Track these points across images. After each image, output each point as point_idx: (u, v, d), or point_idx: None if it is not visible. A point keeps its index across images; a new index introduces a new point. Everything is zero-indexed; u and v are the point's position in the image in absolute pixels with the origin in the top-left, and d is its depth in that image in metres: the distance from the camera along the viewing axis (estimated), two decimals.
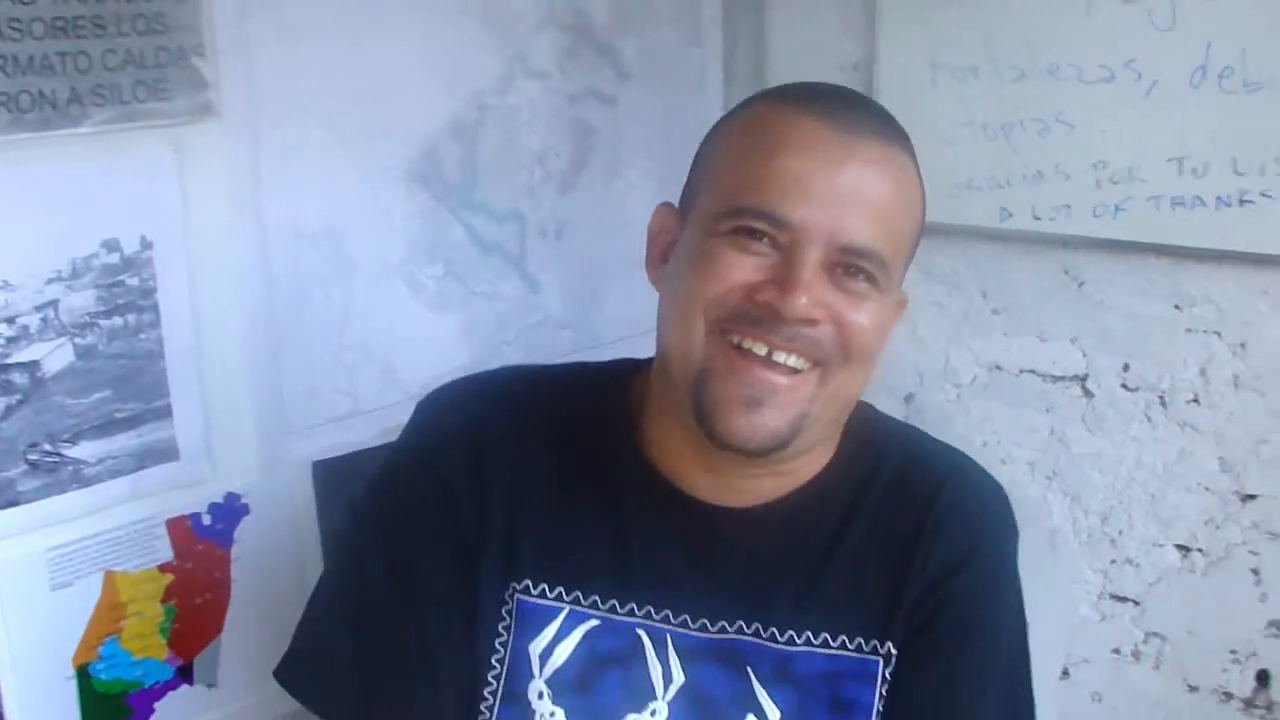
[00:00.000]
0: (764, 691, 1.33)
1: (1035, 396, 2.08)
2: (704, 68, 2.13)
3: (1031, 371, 2.08)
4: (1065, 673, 2.11)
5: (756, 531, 1.34)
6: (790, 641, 1.33)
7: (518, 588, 1.33)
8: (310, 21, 1.60)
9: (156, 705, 1.60)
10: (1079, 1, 1.88)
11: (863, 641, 1.33)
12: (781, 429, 1.24)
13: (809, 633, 1.33)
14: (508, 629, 1.34)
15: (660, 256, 1.33)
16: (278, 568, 1.68)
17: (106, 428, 1.49)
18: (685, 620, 1.33)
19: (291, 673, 1.40)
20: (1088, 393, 2.03)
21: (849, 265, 1.22)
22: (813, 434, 1.28)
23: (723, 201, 1.23)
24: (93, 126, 1.42)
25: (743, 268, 1.21)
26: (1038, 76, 1.93)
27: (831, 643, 1.33)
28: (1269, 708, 1.95)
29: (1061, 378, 2.05)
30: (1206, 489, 1.95)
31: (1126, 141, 1.88)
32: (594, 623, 1.33)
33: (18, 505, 1.44)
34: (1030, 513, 2.09)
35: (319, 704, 1.40)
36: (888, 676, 1.33)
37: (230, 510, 1.63)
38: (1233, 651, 1.97)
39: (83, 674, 1.52)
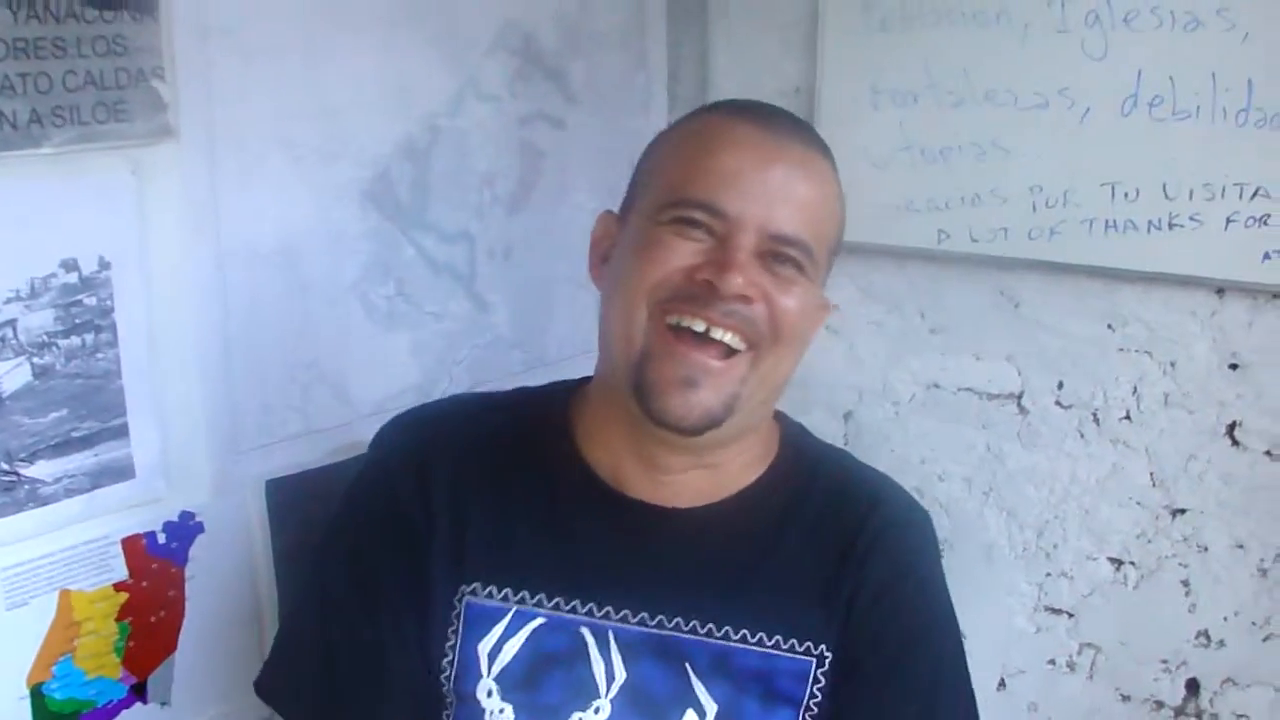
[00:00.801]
0: (701, 686, 1.41)
1: (972, 414, 2.12)
2: (649, 91, 2.16)
3: (968, 389, 2.12)
4: (1002, 684, 2.15)
5: (695, 531, 1.43)
6: (726, 637, 1.40)
7: (466, 590, 1.42)
8: (267, 44, 1.61)
9: None
10: (1015, 31, 1.92)
11: (795, 642, 1.41)
12: (715, 408, 1.34)
13: (745, 630, 1.40)
14: (456, 632, 1.41)
15: (602, 259, 1.45)
16: (231, 585, 1.69)
17: (63, 447, 1.49)
18: (626, 615, 1.40)
19: (267, 683, 1.49)
20: (1023, 410, 2.07)
21: (778, 253, 1.34)
22: (744, 416, 1.38)
23: (665, 194, 1.35)
24: (53, 147, 1.42)
25: (682, 252, 1.33)
26: (975, 103, 1.97)
27: (767, 641, 1.41)
28: (1199, 715, 1.99)
29: (997, 395, 2.09)
30: (1138, 503, 2.00)
31: (1061, 166, 1.93)
32: (540, 620, 1.41)
33: None
34: (967, 527, 2.13)
35: (292, 708, 1.49)
36: (819, 676, 1.41)
37: (185, 529, 1.63)
38: (1164, 661, 2.01)
39: (36, 694, 1.51)
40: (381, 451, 1.51)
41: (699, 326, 1.32)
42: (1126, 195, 1.89)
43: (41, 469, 1.48)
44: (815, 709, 1.41)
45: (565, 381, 1.56)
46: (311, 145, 1.68)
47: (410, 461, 1.46)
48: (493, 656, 1.41)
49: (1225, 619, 1.96)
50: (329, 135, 1.70)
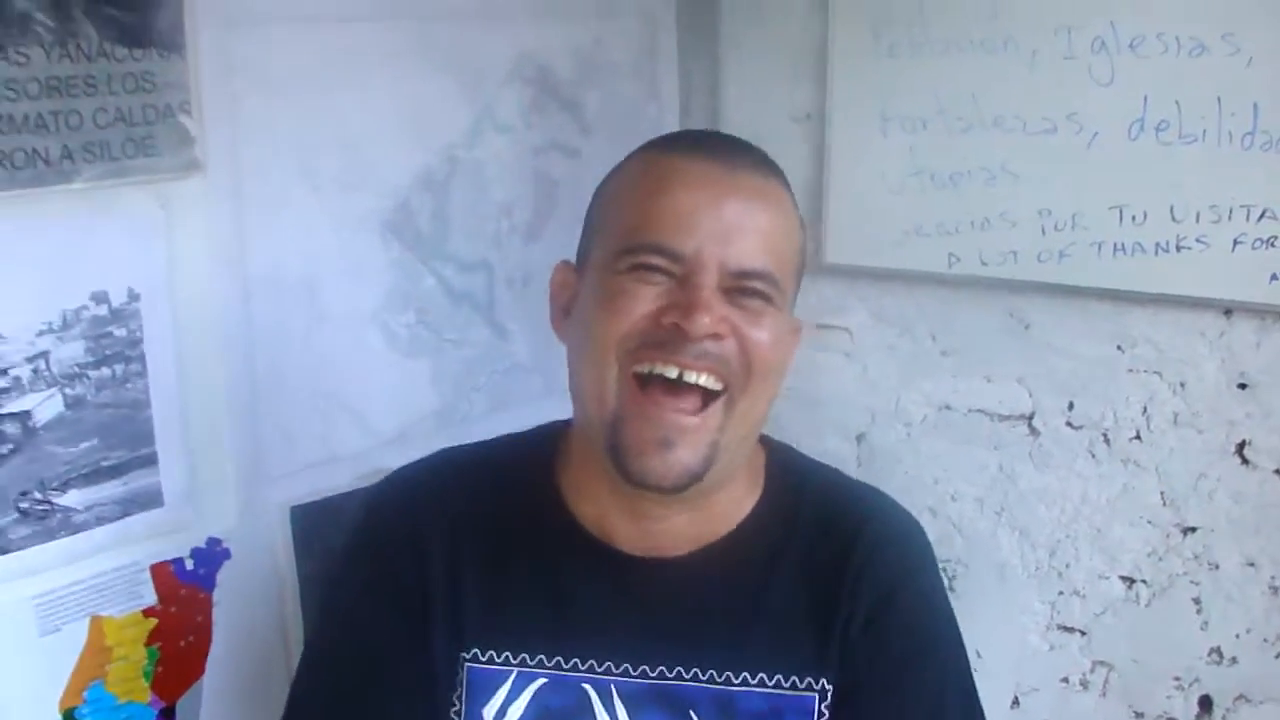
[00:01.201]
0: None
1: (983, 435, 2.14)
2: (661, 121, 2.19)
3: (980, 411, 2.14)
4: (1016, 702, 2.16)
5: (688, 578, 1.41)
6: (728, 682, 1.39)
7: (466, 656, 1.41)
8: (290, 79, 1.65)
9: None
10: (1023, 58, 1.94)
11: (797, 679, 1.39)
12: (694, 464, 1.32)
13: (745, 673, 1.39)
14: (460, 698, 1.41)
15: (563, 311, 1.42)
16: (257, 610, 1.72)
17: (94, 475, 1.53)
18: (626, 669, 1.39)
19: None
20: (1034, 431, 2.09)
21: (744, 288, 1.32)
22: (725, 461, 1.36)
23: (619, 241, 1.32)
24: (84, 182, 1.46)
25: (645, 298, 1.30)
26: (984, 128, 2.00)
27: (768, 681, 1.39)
28: None
29: (1008, 417, 2.11)
30: (1149, 522, 2.01)
31: (1069, 190, 1.95)
32: (542, 681, 1.40)
33: (8, 553, 1.47)
34: (979, 547, 2.15)
35: None
36: (824, 711, 1.39)
37: (212, 555, 1.66)
38: (1176, 678, 2.03)
39: (68, 718, 1.54)
40: (374, 519, 1.49)
41: (671, 373, 1.30)
42: (1134, 218, 1.91)
43: (73, 497, 1.51)
44: None
45: (550, 426, 1.53)
46: (333, 177, 1.72)
47: (404, 531, 1.44)
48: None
49: (1237, 636, 1.97)
50: (350, 167, 1.73)
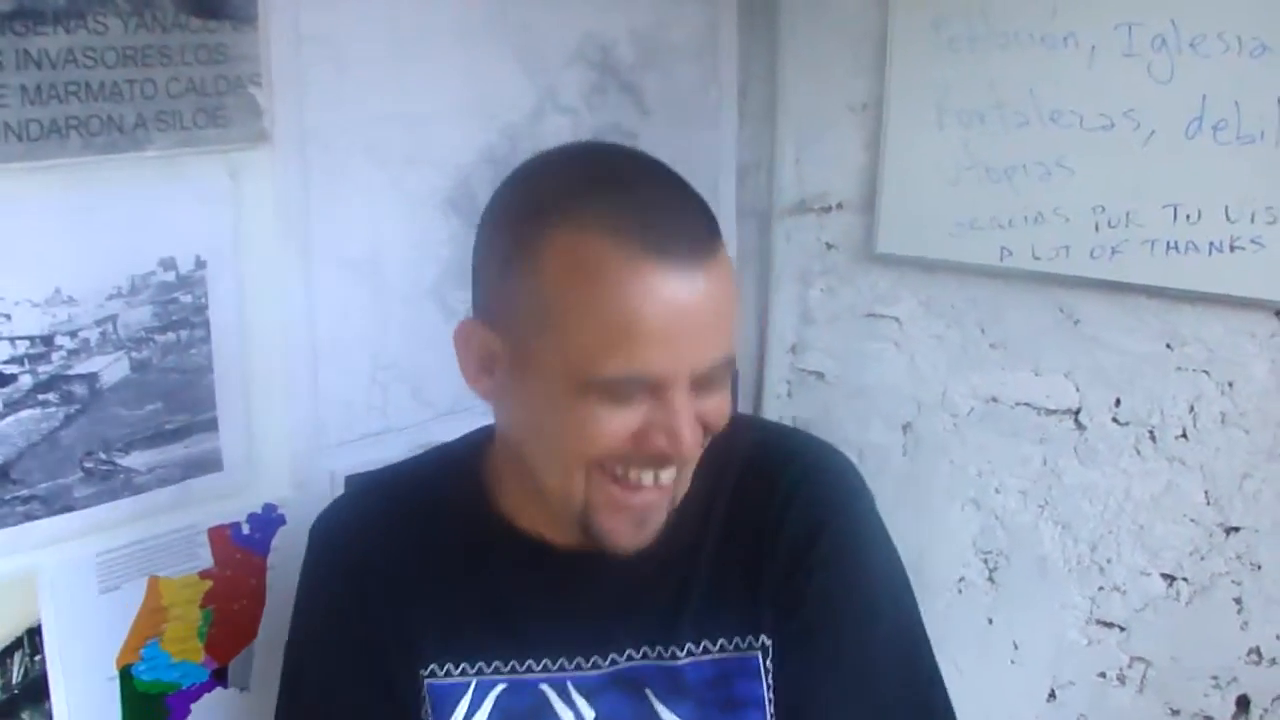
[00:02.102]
0: (664, 708, 1.40)
1: (1029, 428, 2.14)
2: (720, 105, 2.20)
3: (1026, 404, 2.14)
4: (1052, 695, 2.17)
5: (625, 562, 1.34)
6: (674, 656, 1.39)
7: (424, 674, 1.42)
8: (358, 53, 1.67)
9: (193, 706, 1.66)
10: (1081, 53, 1.95)
11: (739, 640, 1.39)
12: (661, 522, 1.32)
13: (689, 644, 1.39)
14: (425, 714, 1.42)
15: (482, 369, 1.32)
16: None
17: (156, 438, 1.56)
18: (579, 662, 1.41)
19: None
20: (1080, 426, 2.10)
21: (709, 377, 1.24)
22: (680, 494, 1.34)
23: (581, 368, 1.20)
24: (156, 150, 1.49)
25: (620, 420, 1.22)
26: (1040, 123, 2.00)
27: (712, 647, 1.39)
28: None
29: (1055, 411, 2.12)
30: (1192, 521, 2.02)
31: (1124, 187, 1.95)
32: (501, 686, 1.41)
33: (72, 510, 1.50)
34: (1022, 540, 2.16)
35: None
36: (768, 667, 1.39)
37: (268, 520, 1.69)
38: (1214, 677, 2.03)
39: (125, 675, 1.58)
40: (315, 565, 1.50)
41: (649, 480, 1.27)
42: (1188, 217, 1.91)
43: (136, 459, 1.54)
44: (777, 700, 1.40)
45: (475, 435, 1.50)
46: (397, 152, 1.74)
47: (344, 573, 1.45)
48: None
49: (1277, 637, 1.97)
50: (414, 143, 1.76)
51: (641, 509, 1.29)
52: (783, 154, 2.31)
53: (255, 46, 1.56)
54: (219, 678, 1.68)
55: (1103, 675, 2.13)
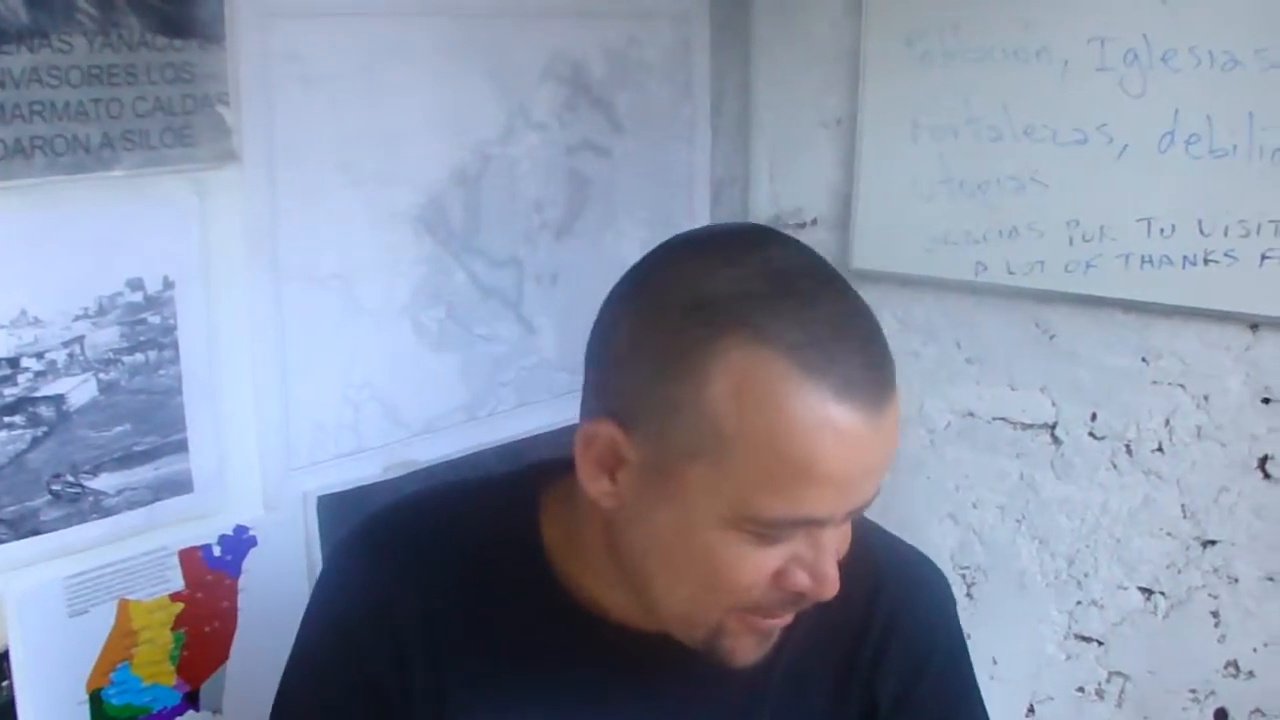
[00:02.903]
0: None
1: (1006, 443, 2.15)
2: (693, 122, 2.20)
3: (1003, 419, 2.15)
4: (1031, 710, 2.17)
5: (691, 654, 1.21)
6: None
7: None
8: (327, 72, 1.66)
9: None
10: (1054, 68, 1.95)
11: None
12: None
13: None
14: None
15: (602, 471, 1.15)
16: (282, 598, 1.72)
17: (126, 460, 1.54)
18: None
19: None
20: (1056, 440, 2.10)
21: (860, 509, 1.14)
22: None
23: (739, 503, 1.07)
24: (122, 170, 1.47)
25: (768, 560, 1.11)
26: (1014, 138, 2.01)
27: None
28: None
29: (1031, 425, 2.12)
30: (1169, 534, 2.02)
31: (1098, 201, 1.96)
32: None
33: (39, 534, 1.47)
34: (999, 555, 2.16)
35: None
36: None
37: (239, 542, 1.67)
38: (1192, 691, 2.04)
39: (95, 699, 1.56)
40: (335, 601, 1.33)
41: (789, 618, 1.17)
42: (1162, 231, 1.92)
43: (105, 481, 1.52)
44: None
45: (529, 475, 1.34)
46: (368, 171, 1.73)
47: (374, 607, 1.28)
48: None
49: (1255, 650, 1.98)
50: (385, 161, 1.74)
51: (769, 632, 1.18)
52: (757, 170, 2.32)
53: (223, 65, 1.54)
54: (191, 701, 1.66)
55: (1081, 690, 2.14)
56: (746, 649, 1.17)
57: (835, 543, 1.12)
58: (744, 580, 1.11)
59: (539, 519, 1.28)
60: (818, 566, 1.11)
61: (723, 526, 1.09)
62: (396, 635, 1.27)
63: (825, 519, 1.09)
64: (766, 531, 1.08)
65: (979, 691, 1.40)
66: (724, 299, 1.07)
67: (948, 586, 1.40)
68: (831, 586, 1.11)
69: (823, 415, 1.04)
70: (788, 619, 1.18)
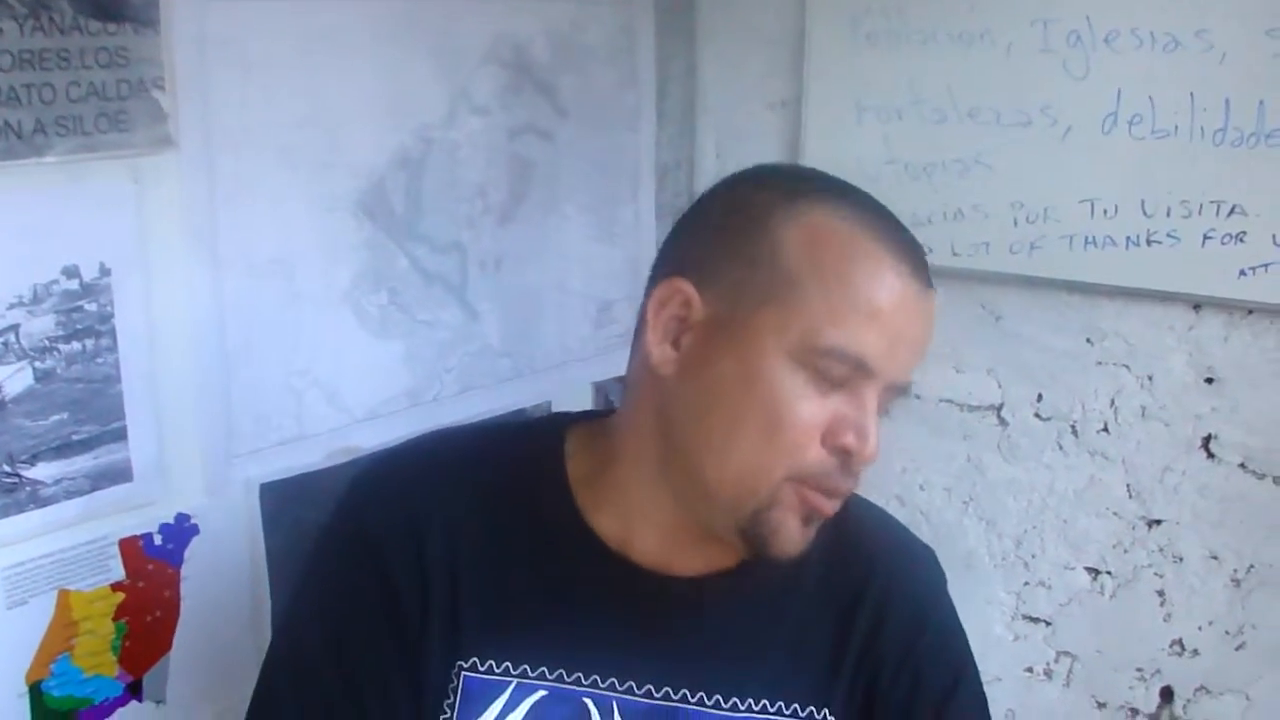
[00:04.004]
0: None
1: (953, 425, 2.15)
2: (638, 106, 2.19)
3: (949, 401, 2.16)
4: None
5: (703, 599, 1.34)
6: (734, 708, 1.34)
7: (464, 665, 1.33)
8: (265, 55, 1.64)
9: None
10: (998, 50, 1.96)
11: (799, 707, 1.35)
12: (812, 539, 1.29)
13: (750, 699, 1.34)
14: (452, 706, 1.33)
15: (667, 336, 1.28)
16: (225, 586, 1.71)
17: (63, 449, 1.52)
18: (631, 687, 1.33)
19: None
20: (1003, 422, 2.11)
21: (891, 394, 1.26)
22: None
23: (805, 333, 1.21)
24: (56, 156, 1.44)
25: (821, 411, 1.22)
26: (958, 120, 2.01)
27: (770, 708, 1.34)
28: None
29: (978, 407, 2.13)
30: (1115, 514, 2.03)
31: (1042, 183, 1.97)
32: (541, 693, 1.33)
33: None
34: (947, 536, 2.17)
35: None
36: None
37: (180, 531, 1.66)
38: (1139, 669, 2.05)
39: (35, 691, 1.54)
40: (362, 510, 1.39)
41: (847, 487, 1.26)
42: (1106, 212, 1.93)
43: (42, 471, 1.50)
44: None
45: (557, 418, 1.47)
46: (307, 156, 1.71)
47: (400, 525, 1.34)
48: None
49: (1199, 628, 2.00)
50: (324, 146, 1.73)
51: (817, 510, 1.26)
52: (703, 153, 2.31)
53: (157, 49, 1.52)
54: (134, 691, 1.65)
55: (1029, 670, 2.15)
56: (790, 532, 1.25)
57: (875, 406, 1.23)
58: (800, 421, 1.21)
59: (563, 455, 1.38)
60: (861, 422, 1.21)
61: (788, 362, 1.21)
62: (423, 552, 1.33)
63: (874, 368, 1.21)
64: (826, 366, 1.20)
65: (975, 668, 1.47)
66: (804, 188, 1.27)
67: (938, 564, 1.52)
68: (873, 445, 1.22)
69: (886, 265, 1.22)
70: (834, 505, 1.26)
